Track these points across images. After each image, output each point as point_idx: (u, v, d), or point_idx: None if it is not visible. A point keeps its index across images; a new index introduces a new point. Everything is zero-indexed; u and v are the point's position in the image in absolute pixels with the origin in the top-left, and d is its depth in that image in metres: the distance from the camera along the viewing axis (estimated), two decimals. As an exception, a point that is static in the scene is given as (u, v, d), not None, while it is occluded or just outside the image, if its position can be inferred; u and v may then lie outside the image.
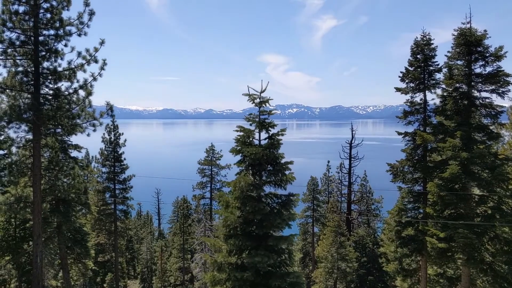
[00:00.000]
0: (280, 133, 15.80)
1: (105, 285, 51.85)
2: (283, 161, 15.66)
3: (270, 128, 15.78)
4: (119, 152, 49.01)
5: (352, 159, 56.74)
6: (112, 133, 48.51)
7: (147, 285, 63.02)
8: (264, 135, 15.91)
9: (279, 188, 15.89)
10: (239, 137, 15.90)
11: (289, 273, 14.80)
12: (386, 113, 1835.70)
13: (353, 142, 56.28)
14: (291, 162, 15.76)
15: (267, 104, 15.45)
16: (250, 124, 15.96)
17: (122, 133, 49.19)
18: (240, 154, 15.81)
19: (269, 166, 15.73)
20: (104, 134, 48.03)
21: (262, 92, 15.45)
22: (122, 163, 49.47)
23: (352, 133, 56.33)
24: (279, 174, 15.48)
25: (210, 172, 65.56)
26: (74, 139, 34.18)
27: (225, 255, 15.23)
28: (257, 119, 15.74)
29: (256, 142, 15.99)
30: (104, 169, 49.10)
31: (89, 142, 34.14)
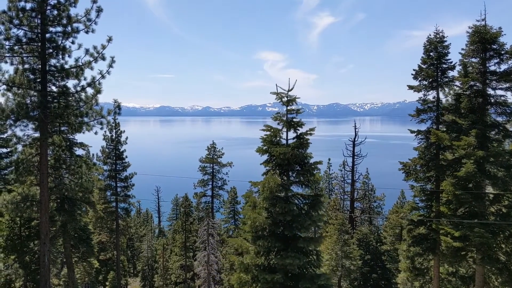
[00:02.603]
0: (308, 132, 15.48)
1: (107, 283, 51.61)
2: (311, 161, 15.35)
3: (298, 128, 15.47)
4: (121, 150, 48.61)
5: (355, 156, 56.52)
6: (114, 130, 48.13)
7: (148, 282, 62.78)
8: (291, 134, 15.61)
9: (306, 188, 15.59)
10: (266, 136, 15.59)
11: (319, 275, 14.54)
12: (383, 110, 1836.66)
13: (356, 139, 56.03)
14: (320, 162, 15.47)
15: (293, 103, 15.15)
16: (278, 123, 15.64)
17: (124, 131, 48.83)
18: (267, 154, 15.50)
19: (297, 166, 15.43)
20: (105, 131, 47.58)
21: (289, 90, 15.16)
22: (123, 161, 49.09)
23: (355, 131, 56.07)
24: (307, 174, 15.18)
25: (211, 170, 65.40)
26: (78, 136, 33.95)
27: (253, 257, 14.94)
28: (284, 118, 15.43)
29: (283, 141, 15.69)
30: (105, 167, 48.66)
31: (89, 139, 33.79)
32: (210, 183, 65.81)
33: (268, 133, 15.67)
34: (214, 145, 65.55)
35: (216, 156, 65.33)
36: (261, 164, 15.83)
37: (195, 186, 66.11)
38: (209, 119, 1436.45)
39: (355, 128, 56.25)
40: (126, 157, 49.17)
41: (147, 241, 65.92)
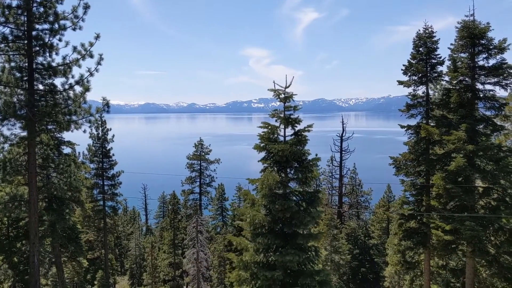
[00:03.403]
0: (306, 129, 15.46)
1: (95, 282, 51.23)
2: (309, 157, 15.35)
3: (296, 124, 15.45)
4: (107, 148, 48.25)
5: (342, 152, 56.80)
6: (100, 128, 47.73)
7: (136, 281, 62.47)
8: (289, 131, 15.55)
9: (304, 185, 15.58)
10: (263, 133, 15.56)
11: (318, 271, 14.56)
12: (368, 105, 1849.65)
13: (343, 135, 56.27)
14: (318, 159, 15.47)
15: (290, 100, 15.12)
16: (276, 120, 15.61)
17: (110, 129, 48.44)
18: (265, 151, 15.47)
19: (295, 163, 15.40)
20: (91, 129, 47.09)
21: (287, 87, 15.12)
22: (110, 159, 48.76)
23: (343, 126, 56.32)
24: (305, 171, 15.16)
25: (199, 167, 65.24)
26: (65, 135, 33.53)
27: (252, 254, 14.89)
28: (282, 115, 15.40)
29: (281, 138, 15.66)
30: (92, 165, 48.23)
31: (74, 137, 33.41)
32: (198, 180, 65.73)
33: (265, 130, 15.63)
34: (202, 142, 65.40)
35: (203, 153, 65.22)
36: (258, 161, 15.77)
37: (183, 183, 65.98)
38: (194, 116, 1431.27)
39: (343, 124, 56.47)
40: (113, 155, 48.82)
41: (135, 239, 65.53)
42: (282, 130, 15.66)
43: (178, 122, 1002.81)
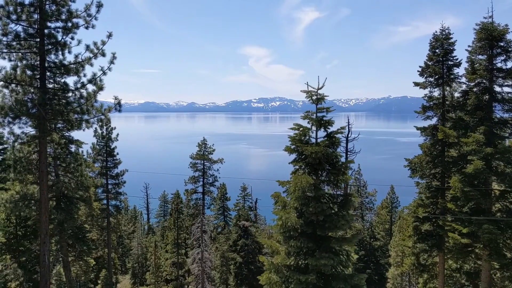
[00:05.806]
0: (339, 131, 15.27)
1: (99, 281, 51.08)
2: (342, 160, 15.12)
3: (328, 126, 15.23)
4: (112, 147, 48.02)
5: (348, 153, 56.44)
6: (104, 127, 47.47)
7: (138, 280, 62.31)
8: (321, 132, 15.33)
9: (335, 188, 15.38)
10: (295, 135, 15.33)
11: (352, 275, 14.33)
12: (368, 106, 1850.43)
13: (349, 136, 55.92)
14: (351, 161, 15.27)
15: (322, 102, 14.88)
16: (308, 122, 15.39)
17: (114, 127, 48.19)
18: (296, 153, 15.25)
19: (327, 165, 15.17)
20: (96, 128, 46.90)
21: (319, 88, 14.90)
22: (114, 158, 48.56)
23: (348, 127, 56.00)
24: (338, 174, 14.94)
25: (202, 167, 64.96)
26: (73, 133, 33.33)
27: (284, 257, 14.70)
28: (313, 116, 15.17)
29: (313, 140, 15.45)
30: (96, 164, 48.00)
31: (78, 136, 33.19)
32: (201, 179, 65.45)
33: (296, 132, 15.41)
34: (205, 142, 65.10)
35: (207, 153, 64.94)
36: (289, 163, 15.57)
37: (186, 183, 65.72)
38: (194, 115, 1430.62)
39: (349, 124, 56.11)
40: (117, 154, 48.62)
41: (137, 238, 65.35)
42: (314, 132, 15.42)
43: (178, 121, 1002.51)
